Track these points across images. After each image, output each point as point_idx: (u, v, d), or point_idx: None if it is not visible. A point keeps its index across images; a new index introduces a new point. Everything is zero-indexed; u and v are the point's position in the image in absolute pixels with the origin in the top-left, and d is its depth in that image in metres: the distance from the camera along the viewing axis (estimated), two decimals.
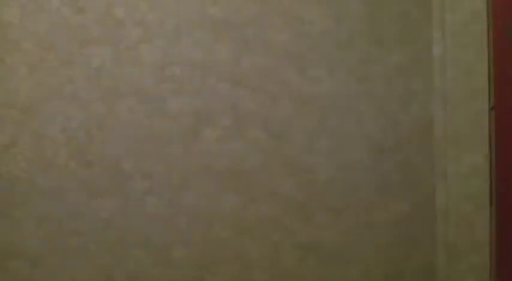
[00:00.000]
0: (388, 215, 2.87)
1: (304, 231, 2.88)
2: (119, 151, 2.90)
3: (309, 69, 2.89)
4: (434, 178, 2.89)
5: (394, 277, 2.87)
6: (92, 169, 2.89)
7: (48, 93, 2.91)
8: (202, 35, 2.91)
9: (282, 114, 2.89)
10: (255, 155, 2.89)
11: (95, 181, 2.89)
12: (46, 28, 2.92)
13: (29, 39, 2.92)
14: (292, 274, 2.88)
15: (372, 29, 2.88)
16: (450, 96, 2.60)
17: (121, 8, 2.92)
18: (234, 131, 2.89)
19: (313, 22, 2.90)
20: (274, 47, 2.90)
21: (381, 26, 2.88)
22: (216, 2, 2.92)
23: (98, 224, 2.89)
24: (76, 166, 2.89)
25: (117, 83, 2.91)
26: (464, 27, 2.57)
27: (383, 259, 2.87)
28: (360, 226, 2.87)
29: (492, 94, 2.47)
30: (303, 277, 2.87)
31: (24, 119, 2.91)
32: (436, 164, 2.82)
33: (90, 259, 2.88)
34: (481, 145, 2.59)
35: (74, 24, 2.92)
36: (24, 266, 2.89)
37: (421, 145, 2.87)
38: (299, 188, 2.88)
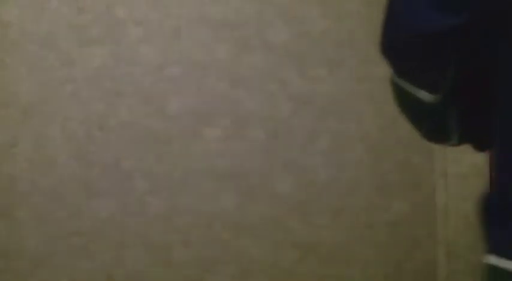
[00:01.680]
0: (388, 215, 2.87)
1: (304, 231, 2.87)
2: (119, 151, 2.89)
3: (309, 69, 2.89)
4: (434, 178, 2.89)
5: (394, 277, 2.87)
6: (92, 169, 2.89)
7: (48, 93, 2.91)
8: (202, 35, 2.91)
9: (281, 114, 2.89)
10: (255, 155, 2.89)
11: (95, 181, 2.89)
12: (46, 28, 2.92)
13: (29, 39, 2.92)
14: (291, 274, 2.87)
15: (372, 29, 2.88)
16: None
17: (121, 7, 2.92)
18: (233, 131, 2.89)
19: (313, 22, 2.90)
20: (274, 47, 2.90)
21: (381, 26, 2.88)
22: (216, 2, 2.91)
23: (98, 224, 2.89)
24: (76, 166, 2.89)
25: (117, 83, 2.91)
26: None
27: (383, 259, 2.87)
28: (359, 226, 2.87)
29: None
30: (303, 277, 2.87)
31: (24, 119, 2.91)
32: (436, 164, 2.82)
33: (90, 259, 2.88)
34: None
35: (74, 24, 2.92)
36: (24, 266, 2.89)
37: (421, 145, 2.87)
38: (299, 188, 2.88)
